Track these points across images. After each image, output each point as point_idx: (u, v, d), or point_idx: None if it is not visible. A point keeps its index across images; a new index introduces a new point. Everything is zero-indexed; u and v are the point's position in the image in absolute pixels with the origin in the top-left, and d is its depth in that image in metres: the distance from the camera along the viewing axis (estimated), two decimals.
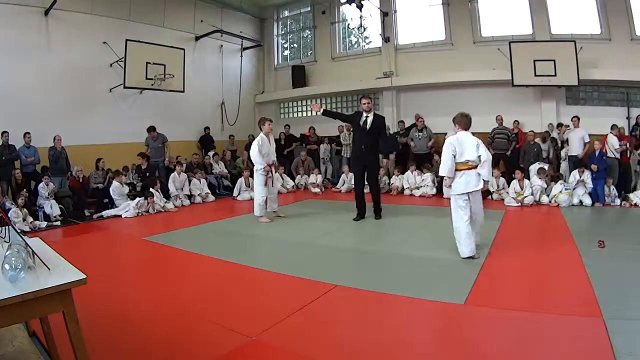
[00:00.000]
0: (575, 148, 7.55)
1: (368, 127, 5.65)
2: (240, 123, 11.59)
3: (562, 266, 3.72)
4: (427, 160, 8.78)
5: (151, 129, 8.35)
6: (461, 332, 2.49)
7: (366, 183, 5.98)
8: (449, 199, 4.07)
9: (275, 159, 6.20)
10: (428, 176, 8.19)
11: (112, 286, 3.34)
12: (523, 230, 5.38)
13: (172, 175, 7.94)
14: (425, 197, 7.99)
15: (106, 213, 6.86)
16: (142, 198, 7.05)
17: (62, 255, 1.82)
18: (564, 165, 7.90)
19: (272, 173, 6.03)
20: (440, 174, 4.10)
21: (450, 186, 3.95)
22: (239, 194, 8.42)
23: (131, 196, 7.30)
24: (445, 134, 9.43)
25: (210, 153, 9.70)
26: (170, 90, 9.16)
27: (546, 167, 7.32)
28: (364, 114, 5.72)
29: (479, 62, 9.11)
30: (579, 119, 7.62)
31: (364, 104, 5.73)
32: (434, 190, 8.03)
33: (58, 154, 7.25)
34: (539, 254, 4.14)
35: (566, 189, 6.75)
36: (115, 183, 7.28)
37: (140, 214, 6.83)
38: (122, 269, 4.08)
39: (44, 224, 6.16)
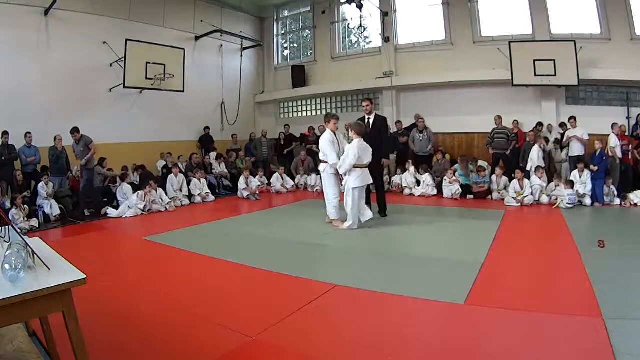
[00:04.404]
0: (576, 148, 7.55)
1: (369, 128, 5.72)
2: (240, 123, 11.57)
3: (562, 266, 3.73)
4: (427, 161, 8.77)
5: (75, 131, 6.94)
6: (461, 332, 2.48)
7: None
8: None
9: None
10: (427, 176, 8.19)
11: (112, 286, 3.34)
12: (523, 230, 5.38)
13: (169, 177, 7.92)
14: (425, 197, 7.97)
15: (110, 211, 6.89)
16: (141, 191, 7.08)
17: (62, 255, 1.82)
18: (565, 166, 7.90)
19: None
20: (341, 171, 5.06)
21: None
22: (239, 192, 8.48)
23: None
24: (446, 134, 9.58)
25: (213, 154, 9.68)
26: (170, 90, 9.14)
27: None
28: (367, 117, 5.82)
29: (479, 62, 9.10)
30: (575, 119, 7.62)
31: (364, 107, 5.85)
32: (435, 191, 8.04)
33: (58, 153, 7.23)
34: (538, 254, 4.15)
35: (568, 204, 6.43)
36: (127, 185, 7.30)
37: (141, 214, 6.83)
38: (122, 269, 4.08)
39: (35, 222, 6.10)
